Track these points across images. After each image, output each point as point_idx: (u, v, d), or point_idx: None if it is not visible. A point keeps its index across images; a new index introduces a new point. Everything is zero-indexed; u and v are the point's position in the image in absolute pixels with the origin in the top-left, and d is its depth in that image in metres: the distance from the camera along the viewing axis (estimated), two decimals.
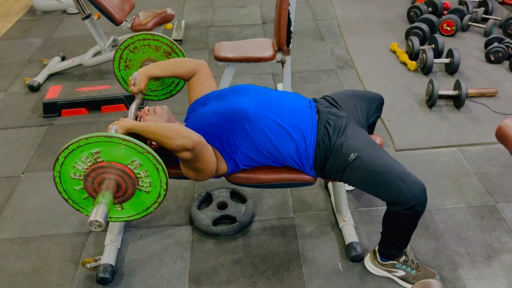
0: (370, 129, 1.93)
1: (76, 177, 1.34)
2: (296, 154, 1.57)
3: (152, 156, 1.30)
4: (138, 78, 1.68)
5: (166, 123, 1.51)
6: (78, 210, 1.43)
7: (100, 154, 1.30)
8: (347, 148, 1.52)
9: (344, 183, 1.63)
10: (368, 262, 1.82)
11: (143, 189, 1.38)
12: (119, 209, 1.42)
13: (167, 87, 1.99)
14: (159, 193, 1.39)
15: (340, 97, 1.75)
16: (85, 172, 1.32)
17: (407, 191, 1.45)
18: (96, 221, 1.22)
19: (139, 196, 1.40)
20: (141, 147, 1.28)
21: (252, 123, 1.54)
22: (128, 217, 1.46)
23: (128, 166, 1.32)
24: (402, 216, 1.51)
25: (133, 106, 1.67)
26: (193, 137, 1.40)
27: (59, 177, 1.34)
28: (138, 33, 1.87)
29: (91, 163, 1.31)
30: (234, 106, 1.57)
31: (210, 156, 1.49)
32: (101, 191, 1.30)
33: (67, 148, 1.29)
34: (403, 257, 1.73)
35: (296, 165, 1.60)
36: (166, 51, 1.90)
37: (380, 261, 1.76)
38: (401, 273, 1.75)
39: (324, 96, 1.77)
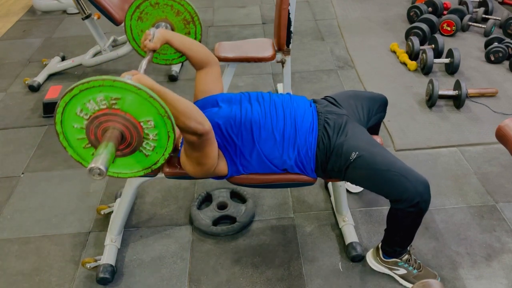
0: (375, 130, 1.93)
1: (81, 115, 1.24)
2: (299, 159, 1.57)
3: (171, 122, 1.23)
4: (157, 36, 1.64)
5: (185, 100, 1.42)
6: (65, 148, 1.33)
7: (119, 101, 1.20)
8: (348, 148, 1.52)
9: (347, 182, 1.63)
10: (370, 258, 1.83)
11: (144, 151, 1.30)
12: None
13: (170, 54, 1.95)
14: (158, 160, 1.33)
15: (341, 97, 1.75)
16: (94, 113, 1.23)
17: (410, 188, 1.46)
18: (98, 168, 1.12)
19: (137, 156, 1.32)
20: (164, 109, 1.21)
21: (258, 130, 1.55)
22: (114, 172, 1.38)
23: (141, 123, 1.24)
24: (406, 213, 1.51)
25: (144, 62, 1.60)
26: (205, 125, 1.36)
27: (64, 107, 1.24)
28: None
29: (105, 107, 1.22)
30: (243, 112, 1.58)
31: (213, 151, 1.47)
32: (104, 140, 1.20)
33: (87, 82, 1.18)
34: (406, 256, 1.73)
35: (298, 170, 1.60)
36: (186, 19, 1.86)
37: (382, 258, 1.77)
38: (402, 271, 1.75)
39: (325, 96, 1.78)
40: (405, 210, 1.50)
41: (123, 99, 1.20)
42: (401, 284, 1.76)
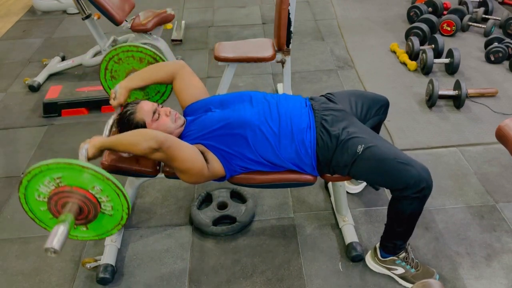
0: (375, 132, 1.93)
1: (41, 199, 1.37)
2: (297, 158, 1.59)
3: (112, 182, 1.32)
4: (119, 92, 1.71)
5: (128, 132, 1.52)
6: (45, 228, 1.45)
7: (62, 179, 1.32)
8: (353, 141, 1.55)
9: (351, 176, 1.64)
10: (368, 259, 1.83)
11: (106, 212, 1.40)
12: (84, 229, 1.45)
13: (153, 97, 2.00)
14: (122, 216, 1.42)
15: (340, 94, 1.78)
16: (48, 195, 1.35)
17: (416, 174, 1.50)
18: (53, 249, 1.24)
19: (103, 219, 1.43)
20: (100, 174, 1.31)
21: (253, 131, 1.56)
22: (93, 236, 1.49)
23: (90, 191, 1.34)
24: (411, 200, 1.54)
25: (110, 121, 1.70)
26: (158, 137, 1.43)
27: (24, 198, 1.37)
28: (121, 44, 1.89)
29: (53, 187, 1.34)
30: (237, 114, 1.59)
31: (187, 155, 1.49)
32: (62, 213, 1.32)
33: (29, 172, 1.31)
34: (404, 254, 1.73)
35: (297, 168, 1.61)
36: (150, 63, 1.92)
37: (380, 257, 1.77)
38: (400, 270, 1.75)
39: (326, 93, 1.79)
40: (410, 196, 1.52)
41: (64, 176, 1.31)
42: (401, 285, 1.76)
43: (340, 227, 1.99)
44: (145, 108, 1.61)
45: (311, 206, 2.14)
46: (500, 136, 1.60)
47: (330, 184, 2.19)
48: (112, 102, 1.72)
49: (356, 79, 3.12)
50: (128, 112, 1.61)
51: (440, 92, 2.76)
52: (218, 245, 1.95)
